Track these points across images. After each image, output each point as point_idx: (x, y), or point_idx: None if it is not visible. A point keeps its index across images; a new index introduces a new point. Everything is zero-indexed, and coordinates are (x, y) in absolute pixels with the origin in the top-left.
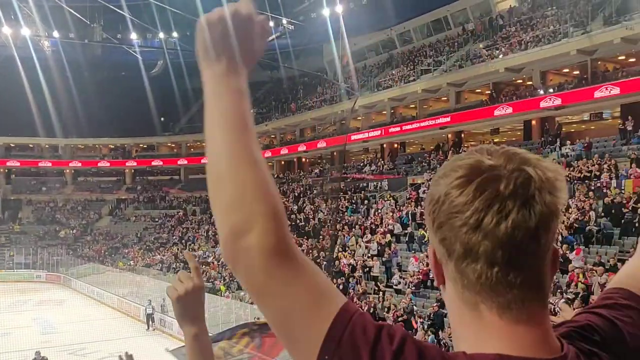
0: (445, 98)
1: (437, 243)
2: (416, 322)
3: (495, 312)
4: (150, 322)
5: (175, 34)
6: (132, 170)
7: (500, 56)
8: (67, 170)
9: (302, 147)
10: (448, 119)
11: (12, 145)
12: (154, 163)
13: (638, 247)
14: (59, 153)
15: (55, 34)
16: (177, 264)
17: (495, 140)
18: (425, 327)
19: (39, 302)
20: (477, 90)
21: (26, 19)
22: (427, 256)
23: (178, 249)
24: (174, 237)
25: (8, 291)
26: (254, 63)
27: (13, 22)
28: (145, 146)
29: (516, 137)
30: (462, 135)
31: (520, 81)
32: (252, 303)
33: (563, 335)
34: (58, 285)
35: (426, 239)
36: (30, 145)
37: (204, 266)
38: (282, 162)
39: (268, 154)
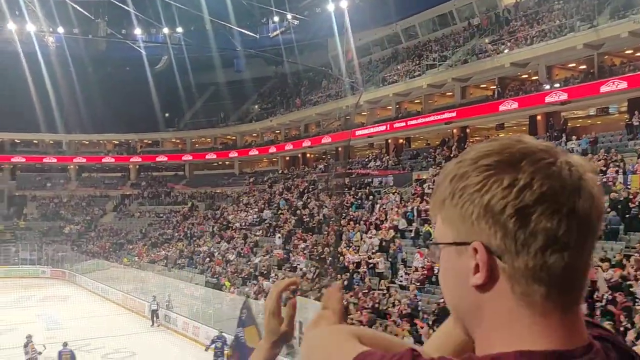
0: (451, 93)
1: (499, 236)
2: (422, 320)
3: (560, 307)
4: (155, 318)
5: (179, 29)
6: (137, 166)
7: (506, 51)
8: (72, 166)
9: (306, 143)
10: (453, 114)
11: (17, 141)
12: (158, 159)
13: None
14: (63, 149)
15: (60, 29)
16: (182, 259)
17: (500, 135)
18: (430, 322)
19: (43, 298)
20: (483, 85)
21: (31, 14)
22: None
23: (183, 245)
24: (179, 233)
25: (13, 287)
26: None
27: (18, 17)
28: (149, 142)
29: (521, 133)
30: (468, 130)
31: (526, 76)
32: (256, 298)
33: None
34: (63, 281)
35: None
36: (35, 141)
37: (209, 261)
38: (287, 158)
39: (272, 149)
